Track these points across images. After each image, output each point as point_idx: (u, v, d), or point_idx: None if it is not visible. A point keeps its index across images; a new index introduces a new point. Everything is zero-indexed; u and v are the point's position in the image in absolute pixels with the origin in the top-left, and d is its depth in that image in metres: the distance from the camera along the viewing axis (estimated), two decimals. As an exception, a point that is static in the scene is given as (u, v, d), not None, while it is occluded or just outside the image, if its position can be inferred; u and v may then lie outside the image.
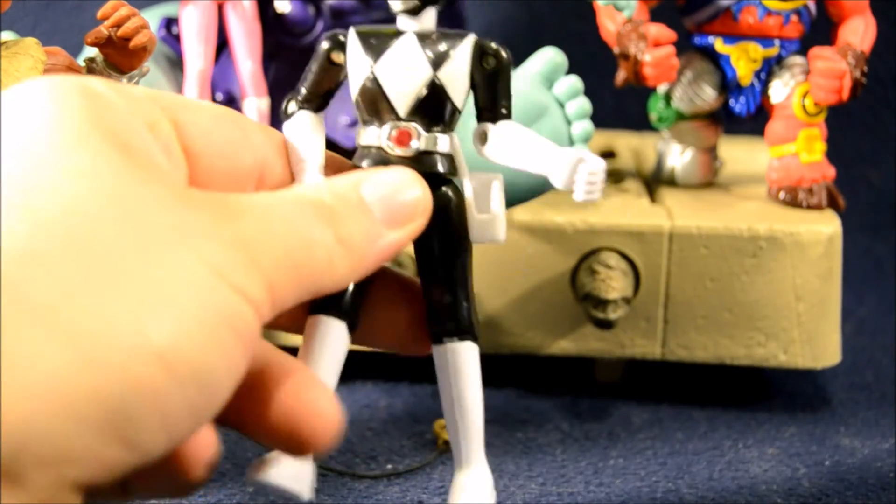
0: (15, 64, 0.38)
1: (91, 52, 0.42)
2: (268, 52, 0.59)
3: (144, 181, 0.27)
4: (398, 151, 0.33)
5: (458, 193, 0.34)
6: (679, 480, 0.47)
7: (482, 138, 0.35)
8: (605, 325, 0.51)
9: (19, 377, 0.23)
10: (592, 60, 0.62)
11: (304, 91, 0.35)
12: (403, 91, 0.33)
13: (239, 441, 0.48)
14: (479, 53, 0.34)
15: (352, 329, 0.34)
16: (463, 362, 0.35)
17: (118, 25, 0.40)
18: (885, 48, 0.66)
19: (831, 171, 0.56)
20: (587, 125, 0.51)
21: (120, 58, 0.40)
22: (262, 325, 0.28)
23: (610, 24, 0.55)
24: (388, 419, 0.52)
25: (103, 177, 0.26)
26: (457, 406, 0.36)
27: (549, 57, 0.51)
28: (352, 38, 0.34)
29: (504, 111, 0.35)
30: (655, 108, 0.58)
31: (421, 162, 0.33)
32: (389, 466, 0.47)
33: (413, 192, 0.31)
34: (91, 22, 0.42)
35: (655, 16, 0.57)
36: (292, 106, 0.35)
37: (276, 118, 0.59)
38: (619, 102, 0.71)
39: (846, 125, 0.70)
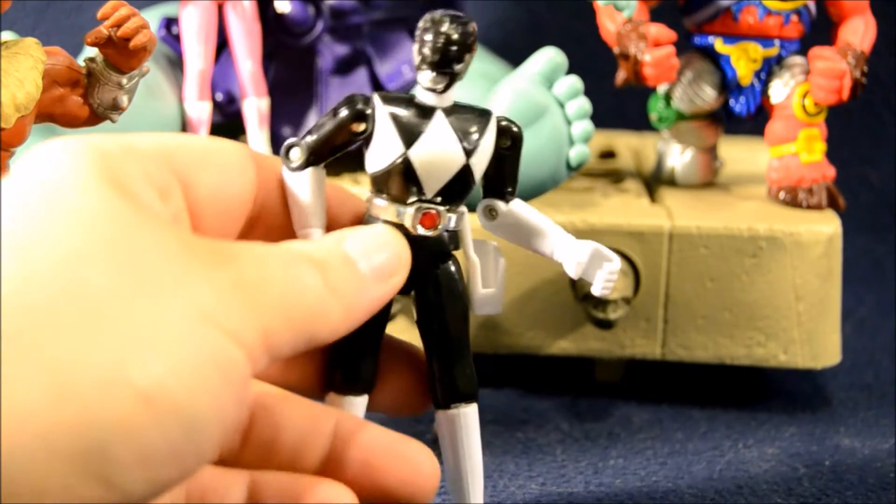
0: (15, 64, 0.38)
1: (91, 52, 0.42)
2: (268, 52, 0.59)
3: (144, 227, 0.27)
4: (422, 231, 0.34)
5: (459, 269, 0.36)
6: (679, 480, 0.47)
7: (489, 214, 0.36)
8: (605, 325, 0.52)
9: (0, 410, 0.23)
10: (592, 60, 0.62)
11: (311, 143, 0.34)
12: (436, 177, 0.34)
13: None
14: (499, 133, 0.35)
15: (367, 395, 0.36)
16: (472, 423, 0.37)
17: (118, 25, 0.40)
18: (885, 48, 0.66)
19: (831, 171, 0.56)
20: (587, 125, 0.51)
21: (120, 58, 0.40)
22: (256, 372, 0.28)
23: (610, 24, 0.55)
24: (387, 419, 0.51)
25: (103, 221, 0.27)
26: (466, 464, 0.37)
27: (549, 57, 0.51)
28: (380, 113, 0.34)
29: (511, 189, 0.36)
30: (655, 108, 0.58)
31: (433, 239, 0.35)
32: (389, 466, 0.47)
33: (393, 249, 0.32)
34: (91, 22, 0.42)
35: (655, 16, 0.57)
36: (296, 154, 0.34)
37: (276, 118, 0.59)
38: (619, 102, 0.71)
39: (846, 125, 0.69)
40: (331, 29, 0.60)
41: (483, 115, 0.35)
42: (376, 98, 0.34)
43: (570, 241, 0.36)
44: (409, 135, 0.33)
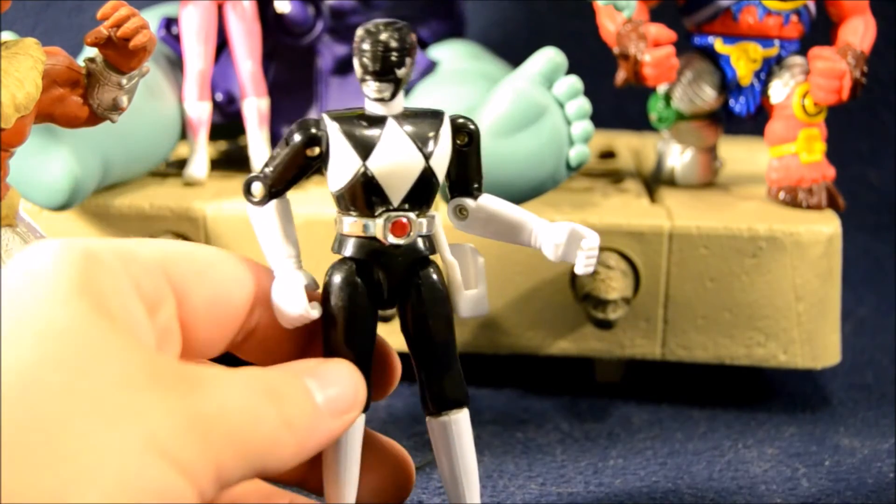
0: (15, 64, 0.38)
1: (91, 52, 0.42)
2: (268, 52, 0.59)
3: (110, 351, 0.28)
4: (393, 241, 0.34)
5: (440, 274, 0.36)
6: (679, 480, 0.47)
7: (459, 213, 0.36)
8: (605, 325, 0.52)
9: None
10: (592, 60, 0.62)
11: (270, 175, 0.34)
12: (398, 184, 0.34)
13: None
14: (454, 131, 0.35)
15: None
16: (464, 429, 0.37)
17: (118, 25, 0.40)
18: (885, 48, 0.66)
19: (831, 171, 0.56)
20: (587, 125, 0.51)
21: (120, 58, 0.40)
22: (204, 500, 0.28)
23: (610, 24, 0.55)
24: (388, 419, 0.52)
25: (67, 343, 0.27)
26: (461, 468, 0.37)
27: (549, 57, 0.51)
28: (332, 130, 0.33)
29: (477, 185, 0.36)
30: (655, 108, 0.58)
31: (408, 246, 0.35)
32: (389, 466, 0.48)
33: (351, 383, 0.33)
34: (91, 22, 0.42)
35: (655, 16, 0.57)
36: (257, 188, 0.34)
37: (276, 118, 0.59)
38: (619, 102, 0.71)
39: (846, 125, 0.70)
40: (331, 29, 0.60)
41: (435, 115, 0.35)
42: (326, 118, 0.34)
43: (545, 225, 0.36)
44: (364, 147, 0.33)
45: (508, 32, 0.80)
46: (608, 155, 0.65)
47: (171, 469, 0.27)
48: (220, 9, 0.58)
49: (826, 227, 0.53)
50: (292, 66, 0.60)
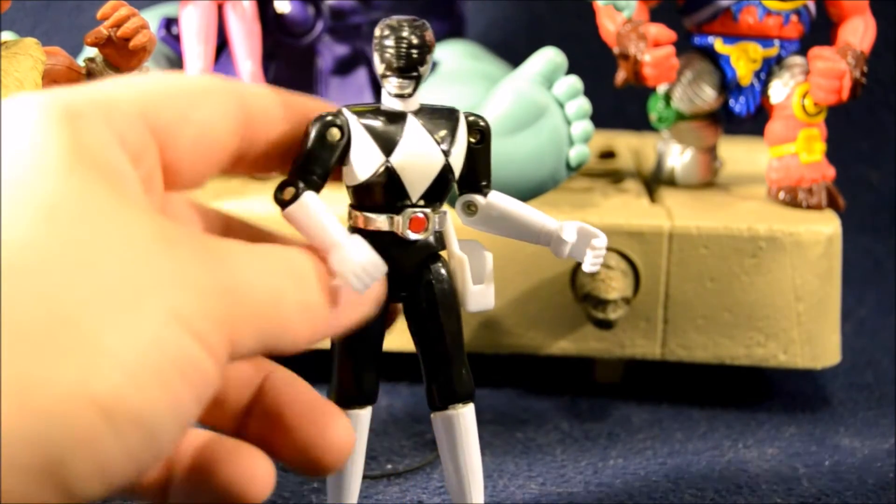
0: (15, 64, 0.38)
1: (91, 52, 0.42)
2: (268, 52, 0.59)
3: (124, 221, 0.26)
4: (412, 236, 0.34)
5: (448, 269, 0.36)
6: (679, 480, 0.47)
7: (468, 209, 0.36)
8: (605, 325, 0.52)
9: None
10: (592, 60, 0.62)
11: (296, 171, 0.33)
12: (419, 181, 0.34)
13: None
14: (468, 129, 0.35)
15: None
16: (470, 423, 0.37)
17: (118, 25, 0.40)
18: (885, 48, 0.66)
19: (831, 171, 0.56)
20: (587, 125, 0.51)
21: (120, 58, 0.41)
22: (220, 375, 0.27)
23: (610, 24, 0.55)
24: (388, 419, 0.52)
25: (73, 216, 0.26)
26: (466, 464, 0.37)
27: (549, 57, 0.51)
28: (353, 123, 0.33)
29: (486, 182, 0.36)
30: (655, 108, 0.58)
31: (421, 241, 0.35)
32: (389, 466, 0.48)
33: (374, 278, 0.32)
34: (91, 22, 0.42)
35: (655, 16, 0.57)
36: (286, 189, 0.33)
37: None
38: (619, 102, 0.71)
39: (846, 125, 0.70)
40: (331, 29, 0.60)
41: (451, 113, 0.35)
42: (346, 111, 0.34)
43: (554, 223, 0.36)
44: (387, 143, 0.33)
45: (508, 32, 0.80)
46: (608, 155, 0.65)
47: (192, 341, 0.26)
48: (220, 9, 0.58)
49: (826, 227, 0.53)
50: (292, 66, 0.60)
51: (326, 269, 0.31)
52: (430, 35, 0.33)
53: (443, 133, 0.34)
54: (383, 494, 0.45)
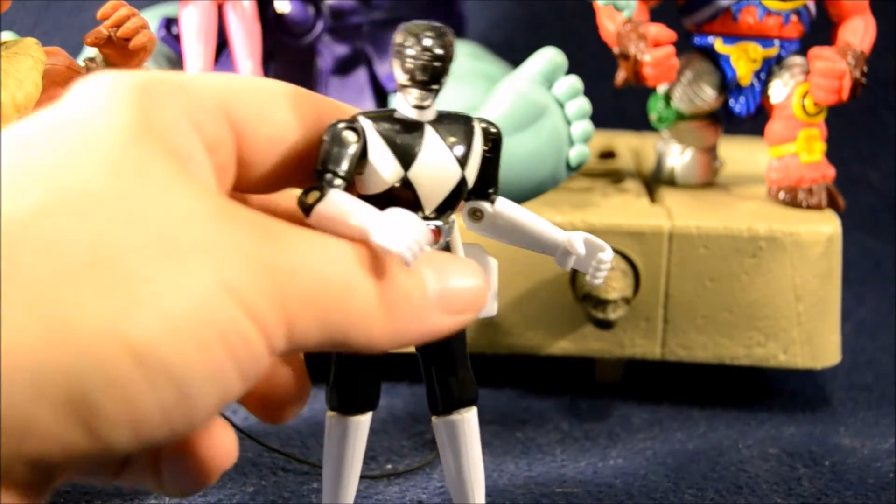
0: (15, 64, 0.38)
1: (91, 52, 0.42)
2: (268, 52, 0.59)
3: (183, 190, 0.27)
4: (426, 248, 0.33)
5: None
6: (679, 480, 0.47)
7: (475, 216, 0.36)
8: (605, 325, 0.52)
9: None
10: (592, 60, 0.62)
11: (320, 172, 0.31)
12: (436, 194, 0.33)
13: (239, 442, 0.48)
14: (482, 137, 0.34)
15: None
16: (474, 427, 0.37)
17: (118, 25, 0.40)
18: (885, 48, 0.66)
19: (831, 171, 0.56)
20: (587, 125, 0.51)
21: (120, 58, 0.41)
22: (273, 355, 0.27)
23: (610, 24, 0.55)
24: (387, 419, 0.52)
25: (139, 178, 0.26)
26: (469, 468, 0.37)
27: (549, 57, 0.51)
28: (370, 132, 0.32)
29: (494, 189, 0.36)
30: (655, 108, 0.58)
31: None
32: (389, 466, 0.48)
33: (473, 283, 0.31)
34: (91, 22, 0.42)
35: (655, 16, 0.57)
36: (310, 193, 0.31)
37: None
38: (619, 102, 0.71)
39: (846, 125, 0.69)
40: (331, 29, 0.60)
41: (466, 121, 0.34)
42: (362, 119, 0.32)
43: (562, 234, 0.36)
44: (406, 155, 0.32)
45: (508, 32, 0.80)
46: (608, 155, 0.65)
47: (239, 310, 0.26)
48: (220, 9, 0.58)
49: (826, 227, 0.53)
50: (292, 66, 0.60)
51: (419, 271, 0.30)
52: (451, 41, 0.32)
53: (460, 145, 0.33)
54: (383, 494, 0.45)
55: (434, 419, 0.37)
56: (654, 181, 0.60)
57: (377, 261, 0.29)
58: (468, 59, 0.62)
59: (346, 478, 0.37)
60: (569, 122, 0.51)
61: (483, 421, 0.52)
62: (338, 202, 0.31)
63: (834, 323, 0.54)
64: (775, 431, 0.52)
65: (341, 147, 0.31)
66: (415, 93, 0.32)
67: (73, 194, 0.25)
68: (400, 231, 0.29)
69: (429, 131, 0.33)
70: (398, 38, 0.32)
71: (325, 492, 0.37)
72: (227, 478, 0.46)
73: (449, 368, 0.36)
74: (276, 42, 0.60)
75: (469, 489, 0.37)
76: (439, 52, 0.31)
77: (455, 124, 0.33)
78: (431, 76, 0.32)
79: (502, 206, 0.36)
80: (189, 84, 0.29)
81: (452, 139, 0.33)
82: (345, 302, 0.28)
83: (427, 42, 0.31)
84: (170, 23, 0.59)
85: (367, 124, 0.32)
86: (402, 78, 0.32)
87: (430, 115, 0.33)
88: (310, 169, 0.32)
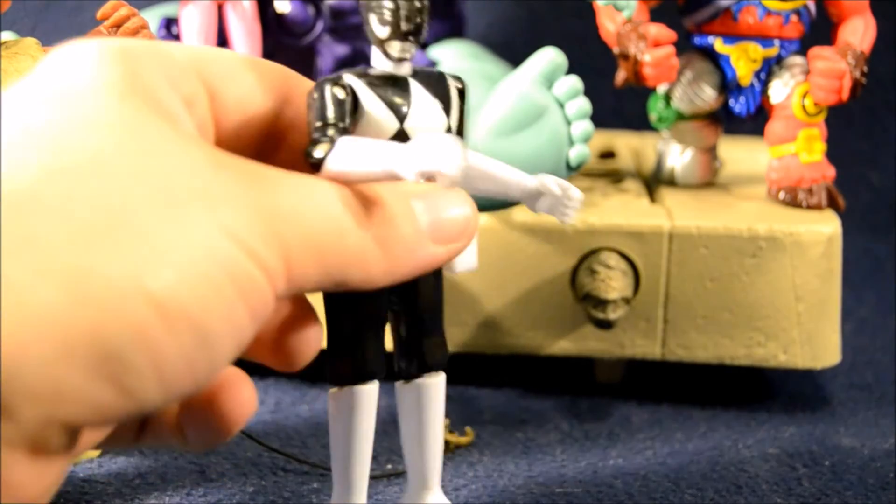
0: (15, 64, 0.38)
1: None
2: (268, 52, 0.59)
3: (170, 140, 0.27)
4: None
5: None
6: (679, 480, 0.47)
7: None
8: (605, 325, 0.51)
9: (14, 311, 0.24)
10: (592, 60, 0.62)
11: (318, 128, 0.31)
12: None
13: (239, 442, 0.48)
14: (455, 88, 0.34)
15: None
16: (441, 393, 0.36)
17: (118, 26, 0.40)
18: (885, 48, 0.66)
19: (831, 171, 0.56)
20: (587, 125, 0.51)
21: (120, 58, 0.40)
22: (277, 296, 0.28)
23: (610, 24, 0.55)
24: (388, 419, 0.52)
25: (126, 131, 0.27)
26: (430, 435, 0.36)
27: (549, 57, 0.51)
28: (360, 89, 0.32)
29: (461, 135, 0.35)
30: (655, 108, 0.58)
31: None
32: (389, 466, 0.47)
33: (463, 211, 0.32)
34: (91, 22, 0.42)
35: (655, 16, 0.57)
36: (319, 148, 0.30)
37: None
38: (619, 102, 0.71)
39: (846, 125, 0.70)
40: (331, 29, 0.60)
41: (440, 75, 0.34)
42: (347, 75, 0.32)
43: (531, 178, 0.34)
44: (398, 108, 0.32)
45: (508, 32, 0.80)
46: (608, 155, 0.65)
47: (243, 254, 0.26)
48: (220, 9, 0.58)
49: (826, 227, 0.53)
50: (292, 66, 0.60)
51: (409, 205, 0.30)
52: None
53: (442, 96, 0.33)
54: (383, 494, 0.45)
55: (400, 384, 0.36)
56: (654, 181, 0.60)
57: (369, 199, 0.30)
58: (468, 59, 0.62)
59: (356, 469, 0.35)
60: (569, 122, 0.51)
61: (483, 421, 0.52)
62: (353, 146, 0.30)
63: (834, 323, 0.54)
64: (775, 431, 0.52)
65: (334, 101, 0.31)
66: (397, 45, 0.32)
67: (74, 157, 0.26)
68: (435, 149, 0.29)
69: (414, 84, 0.33)
70: None
71: (336, 491, 0.36)
72: (227, 478, 0.46)
73: (427, 330, 0.35)
74: (276, 42, 0.60)
75: (428, 458, 0.36)
76: (419, 2, 0.31)
77: (430, 77, 0.33)
78: (416, 26, 0.31)
79: (473, 158, 0.35)
80: (161, 47, 0.30)
81: (434, 90, 0.33)
82: (341, 241, 0.29)
83: None
84: (170, 23, 0.59)
85: (353, 80, 0.32)
86: (382, 32, 0.32)
87: (408, 68, 0.33)
88: (279, 135, 0.33)
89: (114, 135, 0.27)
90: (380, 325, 0.35)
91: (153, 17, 0.60)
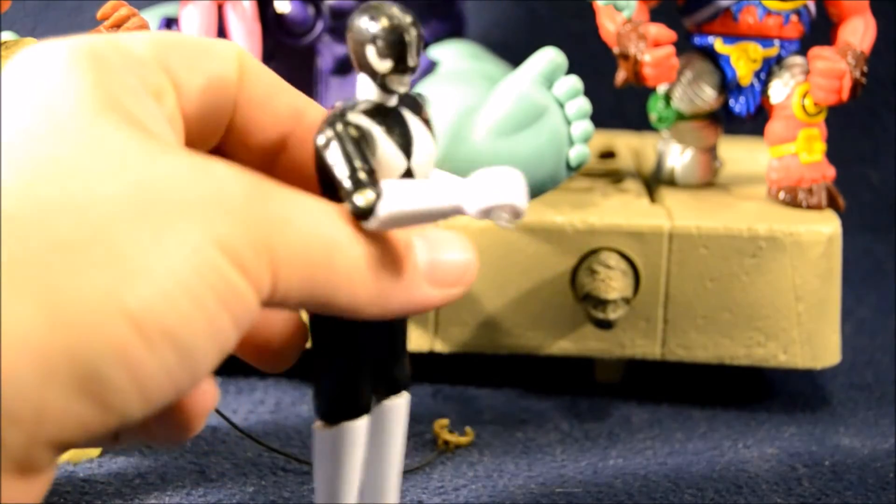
0: (15, 64, 0.38)
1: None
2: (268, 52, 0.59)
3: (153, 154, 0.27)
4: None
5: None
6: (679, 480, 0.47)
7: None
8: (605, 325, 0.52)
9: None
10: (592, 60, 0.62)
11: (359, 171, 0.29)
12: (425, 175, 0.32)
13: (239, 442, 0.48)
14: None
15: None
16: (405, 412, 0.35)
17: (118, 26, 0.40)
18: (885, 48, 0.66)
19: (831, 171, 0.56)
20: (587, 125, 0.51)
21: (120, 58, 0.40)
22: (261, 306, 0.27)
23: (610, 24, 0.55)
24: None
25: (109, 148, 0.26)
26: (392, 460, 0.35)
27: (549, 57, 0.51)
28: (367, 124, 0.30)
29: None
30: (655, 108, 0.58)
31: None
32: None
33: (464, 256, 0.31)
34: (91, 22, 0.42)
35: (655, 16, 0.57)
36: (362, 198, 0.29)
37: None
38: (619, 102, 0.71)
39: (846, 125, 0.69)
40: (331, 29, 0.60)
41: (416, 98, 0.32)
42: (350, 113, 0.30)
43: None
44: (405, 145, 0.30)
45: (508, 32, 0.80)
46: (608, 155, 0.65)
47: (230, 265, 0.26)
48: (220, 9, 0.58)
49: (826, 227, 0.53)
50: (292, 66, 0.60)
51: (409, 241, 0.29)
52: (411, 13, 0.30)
53: (426, 121, 0.32)
54: None
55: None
56: (654, 181, 0.60)
57: (370, 231, 0.29)
58: (468, 59, 0.62)
59: (344, 488, 0.34)
60: (569, 122, 0.51)
61: (483, 421, 0.52)
62: (404, 187, 0.28)
63: (834, 323, 0.54)
64: (775, 431, 0.52)
65: (353, 143, 0.29)
66: (404, 79, 0.30)
67: (50, 170, 0.26)
68: (501, 183, 0.27)
69: (407, 115, 0.31)
70: (368, 24, 0.29)
71: (319, 491, 0.34)
72: (227, 478, 0.46)
73: (397, 352, 0.34)
74: (276, 42, 0.60)
75: (388, 484, 0.35)
76: (415, 32, 0.29)
77: (412, 102, 0.32)
78: (417, 60, 0.30)
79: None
80: (122, 41, 0.30)
81: (420, 116, 0.32)
82: (330, 259, 0.28)
83: (406, 20, 0.29)
84: (170, 23, 0.59)
85: (358, 118, 0.30)
86: (382, 65, 0.29)
87: (395, 98, 0.31)
88: (245, 116, 0.32)
89: (89, 149, 0.26)
90: (374, 363, 0.34)
91: (153, 17, 0.60)
